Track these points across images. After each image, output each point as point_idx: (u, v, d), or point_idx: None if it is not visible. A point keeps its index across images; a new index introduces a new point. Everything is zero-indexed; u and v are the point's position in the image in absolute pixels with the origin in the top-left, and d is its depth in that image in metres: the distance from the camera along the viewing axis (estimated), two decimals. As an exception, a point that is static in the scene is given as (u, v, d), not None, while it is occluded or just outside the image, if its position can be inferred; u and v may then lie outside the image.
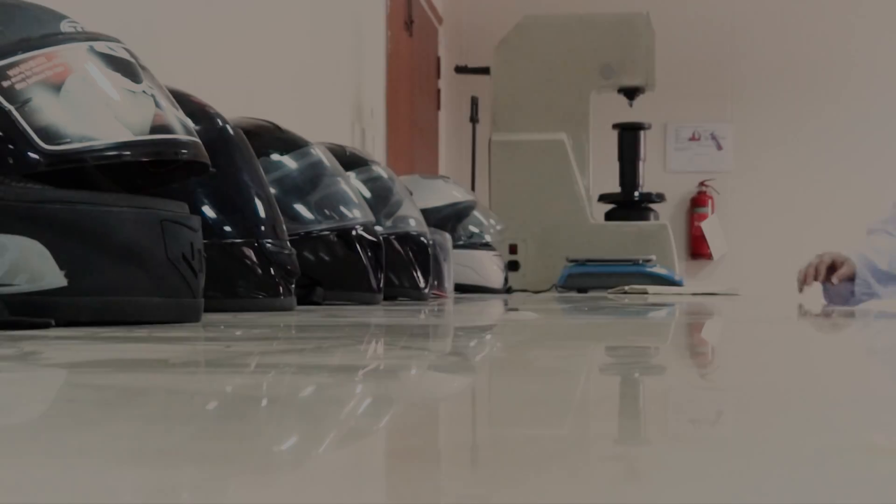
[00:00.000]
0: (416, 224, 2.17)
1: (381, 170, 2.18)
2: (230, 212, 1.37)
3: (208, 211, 1.34)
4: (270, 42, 2.79)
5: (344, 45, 3.72)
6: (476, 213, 3.01)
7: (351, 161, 2.04)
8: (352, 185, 1.85)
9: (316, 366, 0.68)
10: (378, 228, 1.87)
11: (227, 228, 1.36)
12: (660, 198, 4.24)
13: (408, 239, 2.12)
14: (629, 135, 4.26)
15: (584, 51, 4.06)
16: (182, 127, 1.03)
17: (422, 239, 2.14)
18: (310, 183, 1.74)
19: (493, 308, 1.98)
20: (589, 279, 3.40)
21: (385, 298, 1.85)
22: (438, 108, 5.94)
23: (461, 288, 2.78)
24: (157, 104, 1.01)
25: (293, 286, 1.43)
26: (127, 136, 0.97)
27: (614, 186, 4.24)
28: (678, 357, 0.90)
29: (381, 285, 1.80)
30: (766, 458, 0.36)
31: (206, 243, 1.08)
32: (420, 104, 5.34)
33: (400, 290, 2.08)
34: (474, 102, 4.62)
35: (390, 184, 2.17)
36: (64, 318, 0.92)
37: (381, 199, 2.08)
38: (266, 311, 1.34)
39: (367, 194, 2.01)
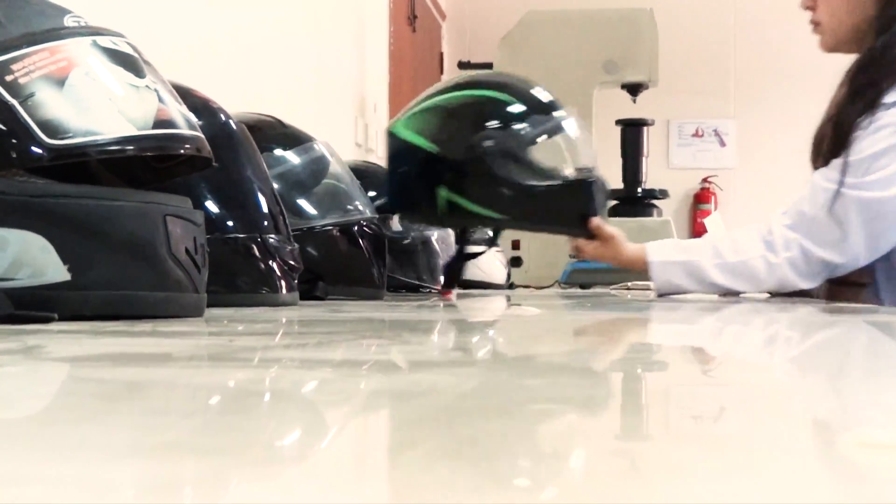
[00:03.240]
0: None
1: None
2: (233, 207, 1.37)
3: (211, 206, 1.34)
4: (274, 37, 2.79)
5: (347, 40, 3.72)
6: (479, 208, 3.00)
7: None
8: (355, 179, 1.84)
9: (319, 360, 0.68)
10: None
11: (230, 223, 1.36)
12: (663, 194, 4.23)
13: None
14: (632, 131, 4.26)
15: (587, 46, 4.06)
16: (185, 122, 1.03)
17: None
18: (312, 178, 1.74)
19: (495, 304, 1.98)
20: (592, 275, 3.40)
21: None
22: (441, 103, 5.93)
23: (464, 284, 2.78)
24: (160, 99, 1.01)
25: (296, 281, 1.43)
26: (130, 131, 0.97)
27: (617, 183, 4.23)
28: (681, 353, 0.90)
29: (384, 281, 1.80)
30: (768, 455, 0.36)
31: (209, 238, 1.08)
32: (423, 100, 5.33)
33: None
34: (477, 98, 4.61)
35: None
36: (67, 312, 0.92)
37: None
38: (269, 306, 1.34)
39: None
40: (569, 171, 1.92)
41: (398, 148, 1.94)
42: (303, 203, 1.70)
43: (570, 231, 2.03)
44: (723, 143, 6.60)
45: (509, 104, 1.90)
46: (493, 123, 1.87)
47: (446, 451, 0.38)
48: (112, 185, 1.08)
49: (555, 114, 1.92)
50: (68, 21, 1.01)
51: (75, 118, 0.94)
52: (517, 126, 1.88)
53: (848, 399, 0.55)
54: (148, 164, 1.10)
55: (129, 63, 1.01)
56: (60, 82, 0.95)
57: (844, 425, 0.44)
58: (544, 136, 1.90)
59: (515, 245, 3.81)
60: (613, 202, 4.20)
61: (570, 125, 1.92)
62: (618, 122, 4.30)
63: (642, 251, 2.06)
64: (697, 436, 0.41)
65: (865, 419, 0.46)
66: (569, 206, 1.95)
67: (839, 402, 0.54)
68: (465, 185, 1.87)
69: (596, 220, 1.98)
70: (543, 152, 1.90)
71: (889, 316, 1.46)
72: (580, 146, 1.96)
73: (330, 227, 1.72)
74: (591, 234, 2.00)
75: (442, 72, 5.90)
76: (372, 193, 1.98)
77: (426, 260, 2.33)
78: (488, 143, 1.85)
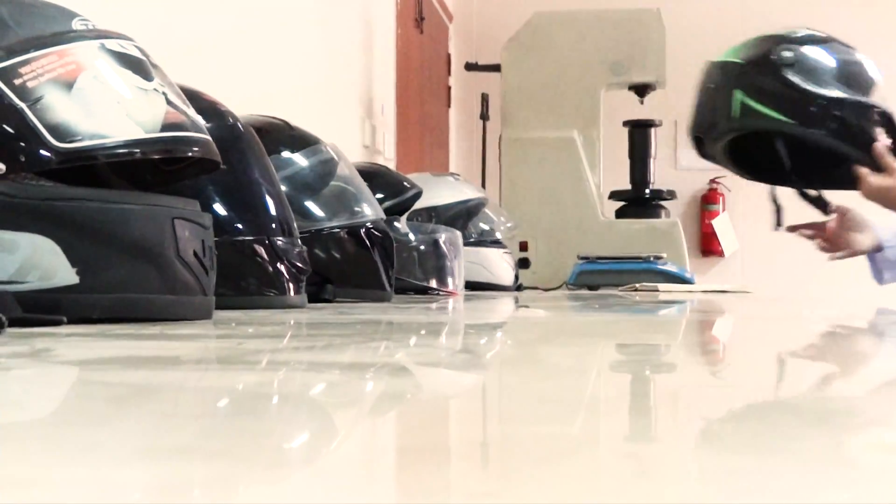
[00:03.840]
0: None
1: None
2: (241, 209, 1.37)
3: (219, 208, 1.34)
4: (281, 39, 2.79)
5: (354, 42, 3.72)
6: (486, 210, 3.01)
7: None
8: (362, 181, 1.84)
9: (327, 363, 0.68)
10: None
11: (238, 226, 1.36)
12: (671, 195, 4.23)
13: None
14: (640, 132, 4.25)
15: (594, 48, 4.06)
16: (193, 124, 1.03)
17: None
18: (320, 180, 1.74)
19: (503, 305, 1.98)
20: (599, 276, 3.40)
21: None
22: (449, 105, 5.94)
23: (472, 285, 2.78)
24: (168, 102, 1.01)
25: (304, 284, 1.43)
26: (138, 134, 0.97)
27: (625, 184, 4.23)
28: (689, 355, 0.90)
29: (393, 283, 1.80)
30: (776, 457, 0.36)
31: (217, 241, 1.08)
32: (430, 101, 5.34)
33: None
34: (484, 100, 4.61)
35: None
36: (75, 315, 0.92)
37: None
38: (277, 309, 1.34)
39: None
40: (869, 96, 2.02)
41: (709, 70, 2.12)
42: (310, 205, 1.70)
43: (852, 151, 2.03)
44: (731, 144, 6.58)
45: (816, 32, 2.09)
46: (798, 38, 2.05)
47: (454, 452, 0.38)
48: (120, 188, 1.08)
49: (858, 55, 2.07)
50: (76, 24, 1.02)
51: (84, 121, 0.95)
52: (819, 45, 2.05)
53: (861, 401, 0.55)
54: (156, 166, 1.10)
55: (138, 66, 1.01)
56: (69, 86, 0.95)
57: (858, 427, 0.44)
58: (841, 62, 2.04)
59: (523, 247, 3.81)
60: (621, 203, 4.19)
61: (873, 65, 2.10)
62: (625, 123, 4.29)
63: None
64: (706, 437, 0.41)
65: (879, 421, 0.46)
66: (861, 125, 2.00)
67: (852, 404, 0.53)
68: (762, 89, 1.99)
69: (881, 146, 1.98)
70: (840, 73, 2.03)
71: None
72: (877, 81, 2.08)
73: (338, 230, 1.72)
74: (875, 164, 1.99)
75: (449, 73, 5.90)
76: (379, 195, 1.98)
77: (435, 262, 2.33)
78: (788, 53, 2.01)
